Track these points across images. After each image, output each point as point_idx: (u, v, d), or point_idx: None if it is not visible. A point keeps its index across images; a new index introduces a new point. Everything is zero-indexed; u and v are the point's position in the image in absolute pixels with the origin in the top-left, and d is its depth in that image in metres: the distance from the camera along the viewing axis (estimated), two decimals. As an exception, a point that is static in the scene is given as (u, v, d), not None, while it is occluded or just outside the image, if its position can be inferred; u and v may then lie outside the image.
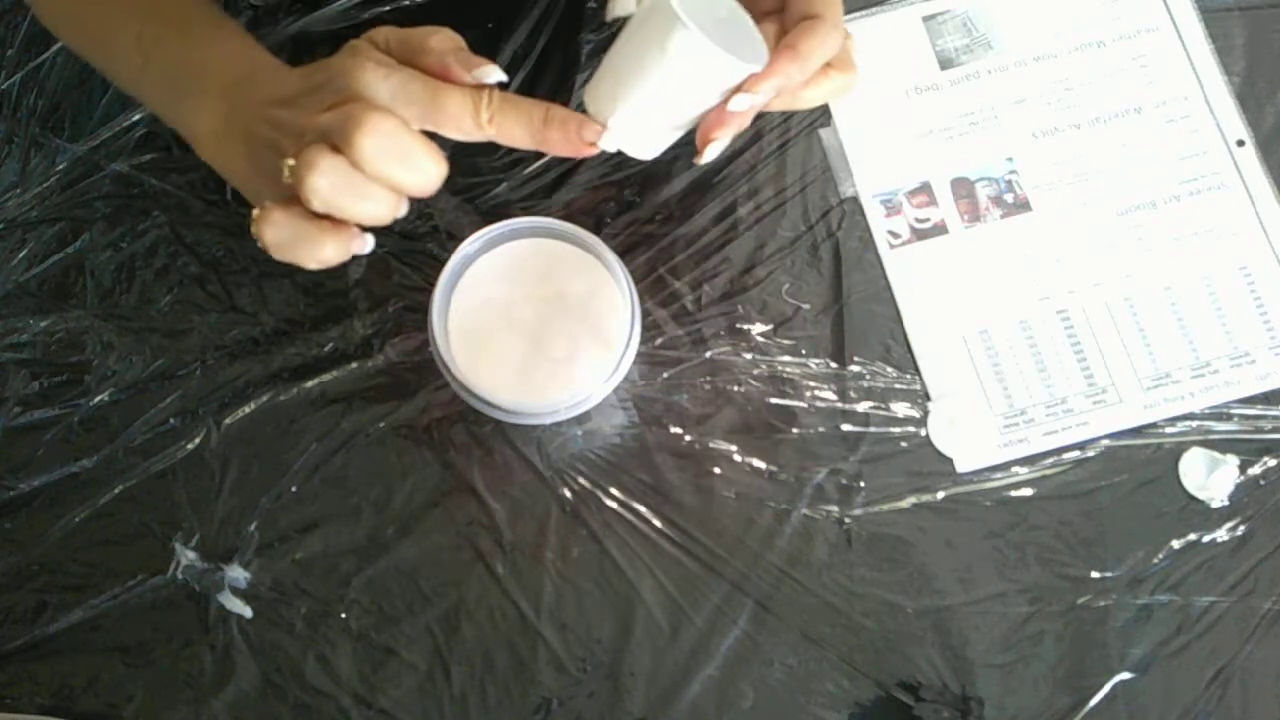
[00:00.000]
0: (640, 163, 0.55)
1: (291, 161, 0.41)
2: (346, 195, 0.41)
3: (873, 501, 0.59)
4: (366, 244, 0.44)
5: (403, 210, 0.43)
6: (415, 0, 0.66)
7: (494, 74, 0.44)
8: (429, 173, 0.42)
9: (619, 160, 0.50)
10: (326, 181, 0.41)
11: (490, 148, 0.64)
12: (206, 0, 0.52)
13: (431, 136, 0.43)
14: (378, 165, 0.41)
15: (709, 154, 0.47)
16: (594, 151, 0.46)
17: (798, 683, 0.57)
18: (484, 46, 0.65)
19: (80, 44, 0.55)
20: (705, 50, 0.43)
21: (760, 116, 0.50)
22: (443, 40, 0.44)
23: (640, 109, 0.45)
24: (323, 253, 0.43)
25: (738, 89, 0.45)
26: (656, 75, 0.44)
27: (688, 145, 0.47)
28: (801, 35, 0.45)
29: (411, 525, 0.59)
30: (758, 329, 0.62)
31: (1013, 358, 0.61)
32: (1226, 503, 0.58)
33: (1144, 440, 0.59)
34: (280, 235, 0.43)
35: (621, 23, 0.47)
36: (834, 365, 0.61)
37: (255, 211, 0.43)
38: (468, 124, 0.44)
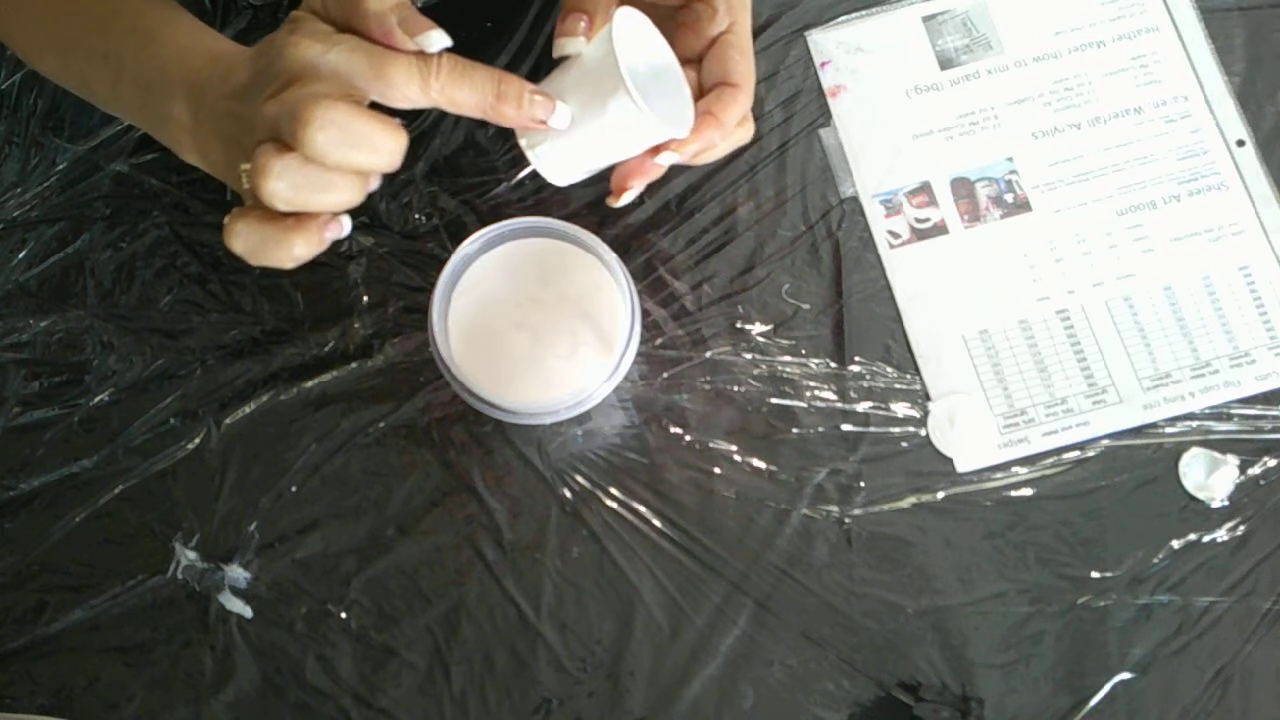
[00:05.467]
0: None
1: (247, 166, 0.40)
2: (308, 192, 0.40)
3: (873, 501, 0.59)
4: (343, 228, 0.43)
5: (375, 185, 0.42)
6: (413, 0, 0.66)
7: (438, 41, 0.42)
8: (390, 150, 0.41)
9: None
10: (284, 184, 0.39)
11: (490, 148, 0.65)
12: (162, 1, 0.50)
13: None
14: (335, 157, 0.39)
15: (624, 199, 0.50)
16: (543, 129, 0.46)
17: (798, 683, 0.57)
18: (483, 46, 0.66)
19: (55, 71, 0.54)
20: (642, 119, 0.45)
21: None
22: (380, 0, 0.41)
23: (569, 146, 0.48)
24: (294, 251, 0.42)
25: (662, 146, 0.49)
26: (592, 125, 0.47)
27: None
28: (722, 104, 0.50)
29: (411, 525, 0.59)
30: (758, 329, 0.62)
31: (1013, 358, 0.61)
32: (1226, 503, 0.58)
33: (1144, 440, 0.59)
34: (249, 243, 0.42)
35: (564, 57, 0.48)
36: (834, 365, 0.61)
37: (225, 220, 0.42)
38: (415, 94, 0.42)
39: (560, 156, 0.48)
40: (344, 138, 0.39)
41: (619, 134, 0.47)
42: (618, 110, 0.45)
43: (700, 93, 0.51)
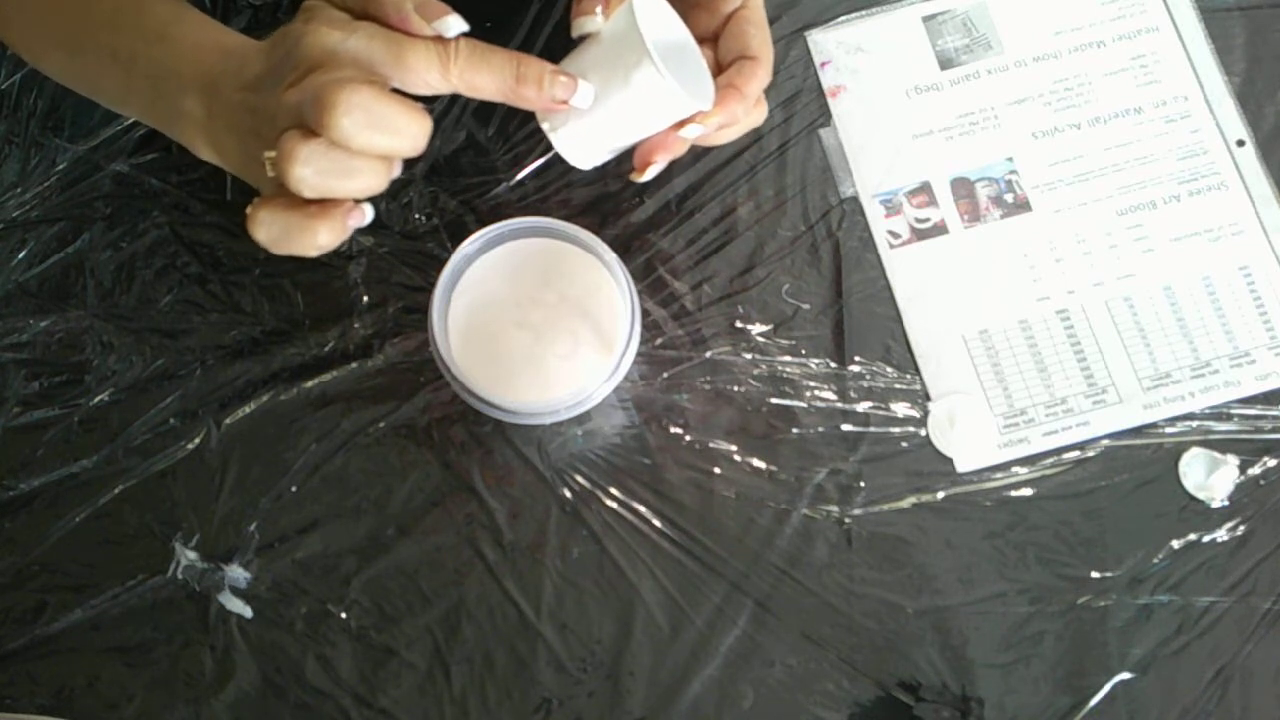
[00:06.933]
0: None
1: (271, 154, 0.40)
2: (334, 177, 0.40)
3: (873, 501, 0.59)
4: (365, 216, 0.43)
5: (397, 171, 0.43)
6: (415, 0, 0.66)
7: (455, 25, 0.42)
8: (414, 133, 0.41)
9: (619, 160, 0.51)
10: (311, 169, 0.40)
11: (490, 148, 0.65)
12: None
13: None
14: (361, 141, 0.40)
15: (649, 174, 0.50)
16: (564, 109, 0.46)
17: (798, 683, 0.57)
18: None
19: (61, 71, 0.53)
20: (667, 89, 0.45)
21: None
22: None
23: (592, 126, 0.47)
24: (318, 240, 0.42)
25: (685, 121, 0.48)
26: (615, 101, 0.46)
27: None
28: (743, 76, 0.49)
29: (411, 525, 0.59)
30: (758, 329, 0.62)
31: (1013, 358, 0.61)
32: (1226, 503, 0.58)
33: (1144, 440, 0.59)
34: (272, 232, 0.42)
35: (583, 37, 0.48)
36: (834, 365, 0.61)
37: (248, 210, 0.42)
38: (435, 79, 0.42)
39: (583, 137, 0.48)
40: (369, 121, 0.39)
41: (643, 109, 0.47)
42: (642, 83, 0.45)
43: (718, 70, 0.51)
